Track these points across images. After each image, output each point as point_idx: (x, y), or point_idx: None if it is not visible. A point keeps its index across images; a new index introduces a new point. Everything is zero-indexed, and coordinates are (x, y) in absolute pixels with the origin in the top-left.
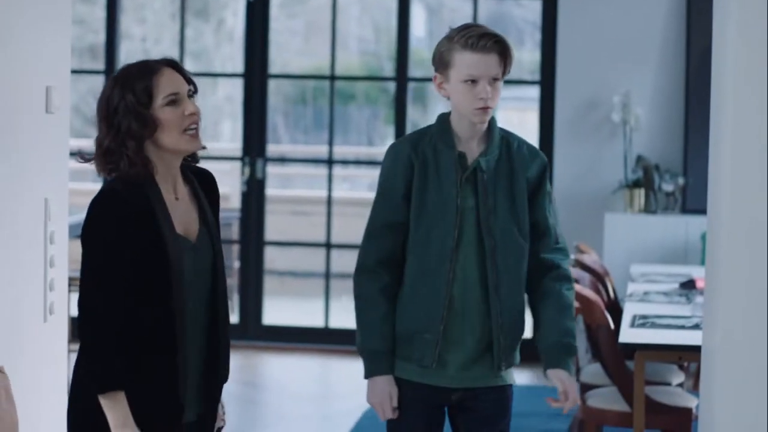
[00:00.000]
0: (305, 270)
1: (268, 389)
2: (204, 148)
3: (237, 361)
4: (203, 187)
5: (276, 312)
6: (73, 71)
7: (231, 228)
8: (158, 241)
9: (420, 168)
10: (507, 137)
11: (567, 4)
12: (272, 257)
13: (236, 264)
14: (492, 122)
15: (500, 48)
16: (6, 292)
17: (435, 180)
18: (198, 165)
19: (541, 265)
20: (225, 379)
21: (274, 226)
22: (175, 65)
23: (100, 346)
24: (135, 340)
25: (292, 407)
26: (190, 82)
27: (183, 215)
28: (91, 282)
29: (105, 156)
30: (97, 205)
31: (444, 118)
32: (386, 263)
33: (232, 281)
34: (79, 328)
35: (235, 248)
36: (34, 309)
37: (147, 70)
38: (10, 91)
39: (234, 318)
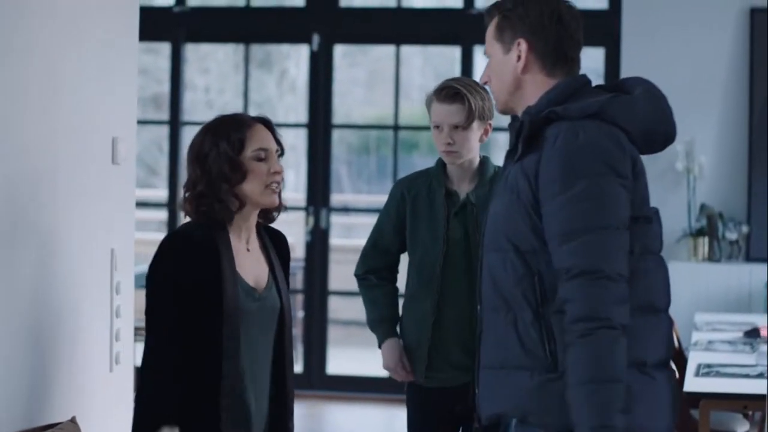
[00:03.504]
0: None
1: None
2: (283, 207)
3: (301, 410)
4: (276, 246)
5: (340, 361)
6: (137, 121)
7: (295, 277)
8: (218, 283)
9: (412, 203)
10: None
11: (629, 51)
12: (336, 307)
13: (300, 313)
14: (485, 161)
15: (460, 98)
16: (73, 342)
17: (427, 214)
18: (271, 226)
19: None
20: None
21: (338, 276)
22: (268, 124)
23: (152, 388)
24: (184, 383)
25: None
26: (279, 143)
27: (253, 266)
28: (151, 325)
29: (198, 199)
30: (168, 248)
31: (441, 161)
32: (374, 272)
33: (297, 331)
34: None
35: (300, 298)
36: (101, 359)
37: (241, 122)
38: (77, 142)
39: (298, 367)
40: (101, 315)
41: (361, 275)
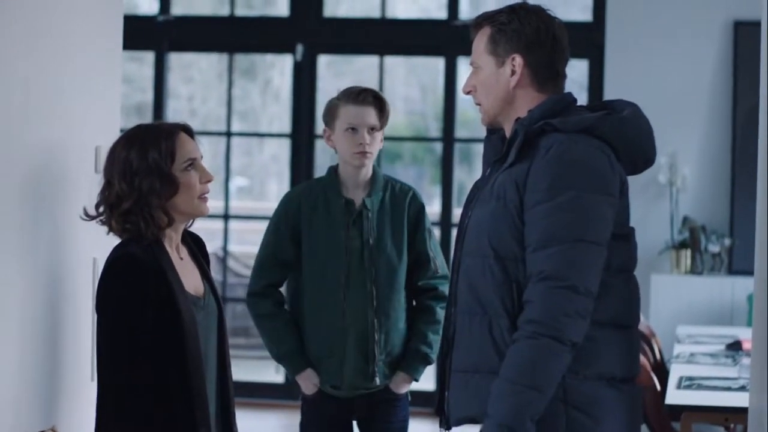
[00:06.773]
0: None
1: None
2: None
3: (281, 421)
4: (200, 250)
5: None
6: (121, 130)
7: None
8: (172, 302)
9: (309, 214)
10: (390, 181)
11: (613, 64)
12: None
13: None
14: (375, 170)
15: (377, 102)
16: (54, 351)
17: (325, 224)
18: (190, 230)
19: (422, 289)
20: None
21: None
22: (189, 131)
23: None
24: (154, 406)
25: None
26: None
27: (189, 275)
28: (116, 356)
29: (124, 216)
30: (118, 273)
31: (333, 170)
32: (273, 287)
33: None
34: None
35: None
36: (82, 368)
37: (166, 132)
38: (60, 151)
39: (279, 378)
40: (82, 324)
41: (258, 291)
